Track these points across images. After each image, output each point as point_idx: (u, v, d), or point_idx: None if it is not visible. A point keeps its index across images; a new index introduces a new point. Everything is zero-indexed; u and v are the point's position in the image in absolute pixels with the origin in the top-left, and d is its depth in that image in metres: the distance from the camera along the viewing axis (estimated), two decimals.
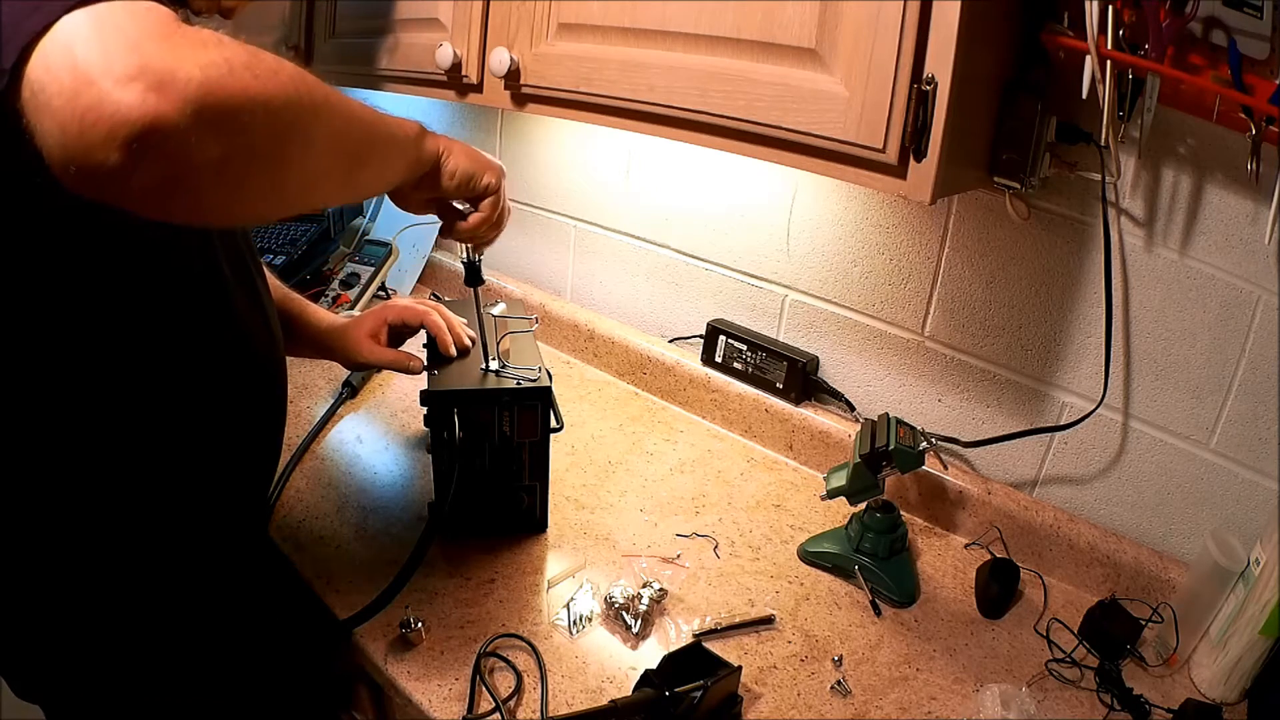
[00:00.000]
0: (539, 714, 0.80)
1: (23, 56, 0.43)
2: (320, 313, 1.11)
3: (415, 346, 1.09)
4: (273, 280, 1.08)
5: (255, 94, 0.47)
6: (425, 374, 1.00)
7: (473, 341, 1.05)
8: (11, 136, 0.44)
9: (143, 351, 0.70)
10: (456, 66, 1.12)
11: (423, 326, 1.06)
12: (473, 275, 0.96)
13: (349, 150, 0.61)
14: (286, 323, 1.04)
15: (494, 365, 1.00)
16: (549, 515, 1.06)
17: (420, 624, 0.87)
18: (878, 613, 0.98)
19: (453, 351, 1.03)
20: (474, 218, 0.82)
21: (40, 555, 0.72)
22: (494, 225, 0.84)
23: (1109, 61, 0.82)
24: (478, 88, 1.12)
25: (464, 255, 0.94)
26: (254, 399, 0.83)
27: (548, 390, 0.97)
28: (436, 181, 0.75)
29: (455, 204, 0.83)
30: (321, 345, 1.08)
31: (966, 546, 1.12)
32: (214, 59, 0.45)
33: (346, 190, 0.65)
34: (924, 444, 1.01)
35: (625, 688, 0.83)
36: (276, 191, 0.53)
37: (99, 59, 0.42)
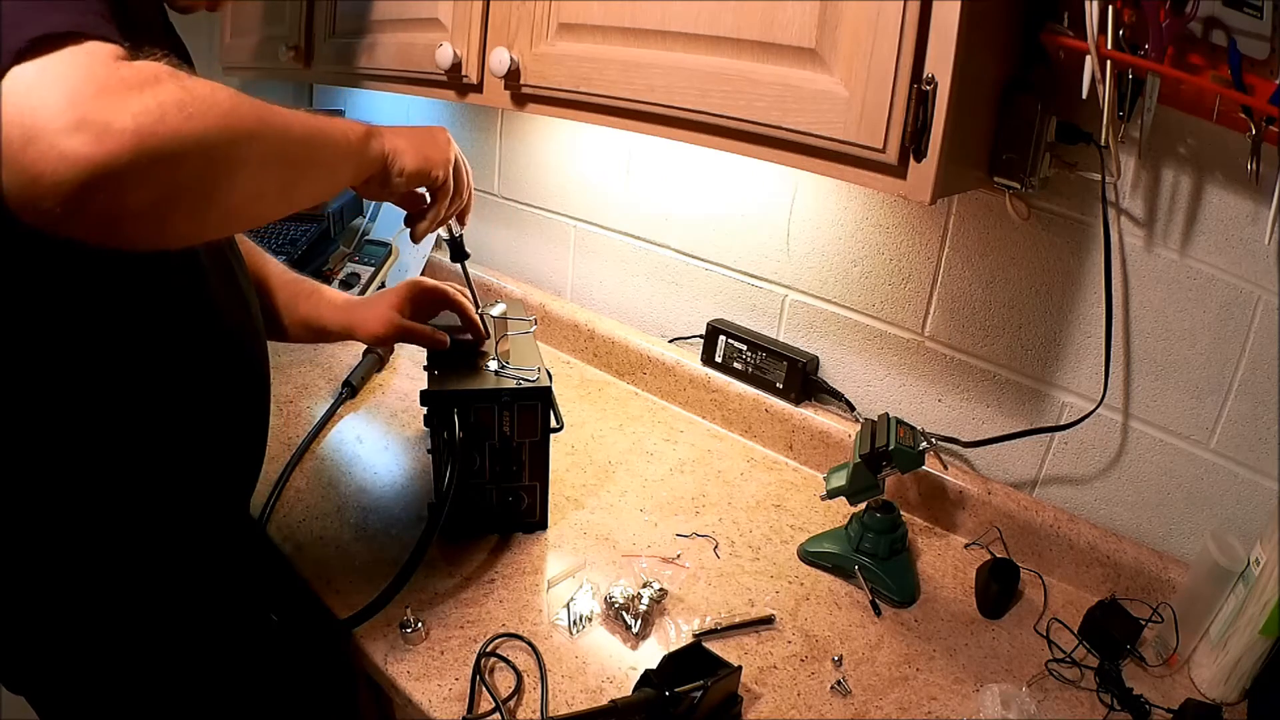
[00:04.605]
0: (539, 714, 0.80)
1: None
2: (336, 291, 1.10)
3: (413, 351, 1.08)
4: (281, 266, 1.08)
5: (186, 134, 0.50)
6: (425, 374, 1.00)
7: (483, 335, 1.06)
8: None
9: (116, 336, 0.70)
10: (456, 66, 1.12)
11: (447, 304, 1.06)
12: (457, 251, 0.98)
13: (287, 166, 0.63)
14: (299, 302, 1.05)
15: (494, 365, 1.00)
16: (549, 515, 1.06)
17: (420, 624, 0.87)
18: (878, 613, 0.98)
19: (479, 328, 1.04)
20: (429, 213, 0.87)
21: (25, 547, 0.72)
22: (455, 201, 0.88)
23: (1109, 61, 0.82)
24: (478, 88, 1.12)
25: (445, 233, 0.96)
26: (232, 381, 0.83)
27: (548, 390, 0.97)
28: (386, 181, 0.77)
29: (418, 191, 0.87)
30: (343, 321, 1.06)
31: (966, 546, 1.12)
32: (148, 105, 0.49)
33: (288, 203, 0.66)
34: (924, 444, 1.01)
35: (625, 688, 0.83)
36: (214, 215, 0.57)
37: (42, 114, 0.46)
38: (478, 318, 1.04)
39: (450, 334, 1.03)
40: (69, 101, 0.46)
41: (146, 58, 0.52)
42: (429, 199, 0.86)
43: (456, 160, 0.86)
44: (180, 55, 0.76)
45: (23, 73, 0.47)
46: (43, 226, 0.47)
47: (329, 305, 1.07)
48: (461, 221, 0.95)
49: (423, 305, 1.07)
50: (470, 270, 1.05)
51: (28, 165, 0.45)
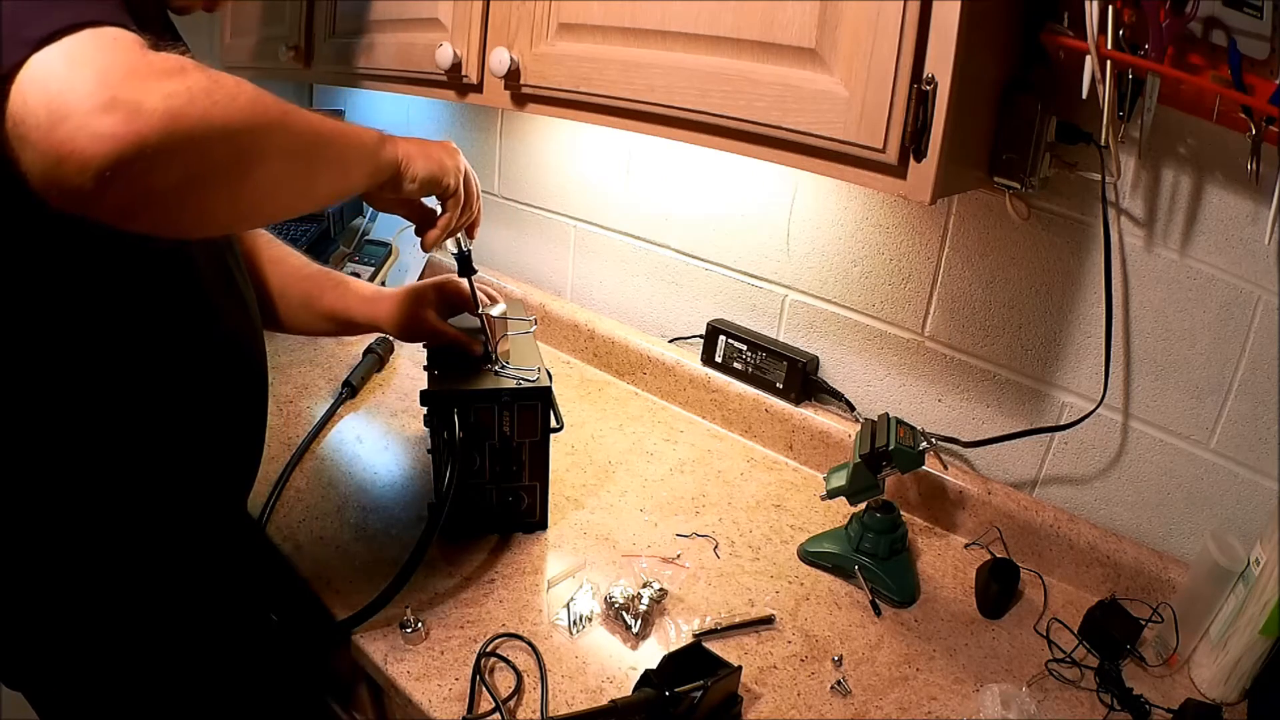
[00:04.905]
0: (539, 714, 0.80)
1: (3, 90, 0.47)
2: (362, 283, 1.09)
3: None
4: (303, 259, 1.08)
5: (214, 120, 0.51)
6: (425, 374, 1.00)
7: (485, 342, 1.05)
8: None
9: (113, 337, 0.70)
10: (456, 66, 1.12)
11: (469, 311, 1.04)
12: (465, 265, 0.98)
13: (305, 164, 0.64)
14: (325, 294, 1.04)
15: (494, 365, 1.00)
16: (549, 515, 1.06)
17: (420, 624, 0.87)
18: (878, 613, 0.98)
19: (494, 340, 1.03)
20: (440, 221, 0.87)
21: (24, 545, 0.72)
22: (466, 212, 0.88)
23: (1109, 61, 0.82)
24: (478, 88, 1.12)
25: (454, 247, 0.96)
26: (231, 381, 0.83)
27: (548, 390, 0.97)
28: (399, 186, 0.78)
29: (425, 202, 0.87)
30: (371, 314, 1.04)
31: (966, 546, 1.12)
32: (176, 89, 0.49)
33: (305, 200, 0.67)
34: (924, 444, 1.01)
35: (625, 688, 0.83)
36: (236, 205, 0.58)
37: (71, 95, 0.46)
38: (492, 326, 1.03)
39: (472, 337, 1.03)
40: (100, 82, 0.47)
41: (168, 50, 0.52)
42: (440, 210, 0.87)
43: (466, 171, 0.86)
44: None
45: (47, 57, 0.47)
46: (66, 207, 0.48)
47: (356, 298, 1.06)
48: (470, 235, 0.95)
49: (448, 306, 1.06)
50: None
51: (57, 144, 0.46)
